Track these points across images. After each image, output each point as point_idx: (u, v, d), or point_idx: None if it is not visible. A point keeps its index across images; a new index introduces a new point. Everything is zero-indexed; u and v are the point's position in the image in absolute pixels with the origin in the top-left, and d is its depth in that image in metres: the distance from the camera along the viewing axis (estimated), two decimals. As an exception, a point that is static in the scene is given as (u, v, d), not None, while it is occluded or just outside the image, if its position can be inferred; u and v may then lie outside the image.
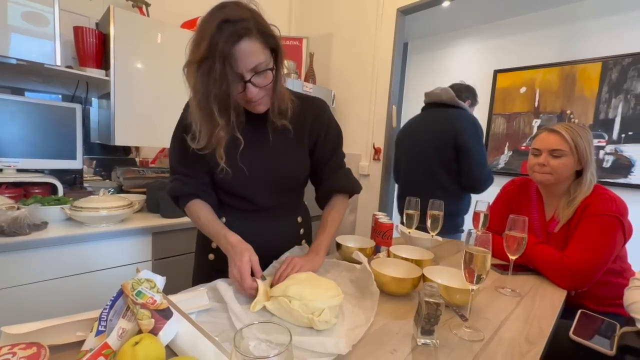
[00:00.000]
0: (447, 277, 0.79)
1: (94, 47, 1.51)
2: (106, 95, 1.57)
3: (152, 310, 0.49)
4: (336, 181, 0.91)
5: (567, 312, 0.86)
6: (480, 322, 0.68)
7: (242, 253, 0.71)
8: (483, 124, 2.61)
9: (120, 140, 1.56)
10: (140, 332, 0.48)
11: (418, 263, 0.88)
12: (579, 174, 1.05)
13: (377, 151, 2.14)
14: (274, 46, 0.69)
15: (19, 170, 1.45)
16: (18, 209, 1.19)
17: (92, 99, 1.79)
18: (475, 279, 0.62)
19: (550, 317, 0.74)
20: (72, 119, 1.55)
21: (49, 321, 0.53)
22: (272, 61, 0.69)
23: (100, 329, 0.47)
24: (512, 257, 0.88)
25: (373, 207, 2.21)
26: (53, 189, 1.52)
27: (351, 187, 0.92)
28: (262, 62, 0.66)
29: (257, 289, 0.68)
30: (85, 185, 1.74)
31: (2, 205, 1.18)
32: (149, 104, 1.61)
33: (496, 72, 2.51)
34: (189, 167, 0.82)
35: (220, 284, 0.72)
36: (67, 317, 0.55)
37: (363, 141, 2.22)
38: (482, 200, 1.12)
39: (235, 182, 0.82)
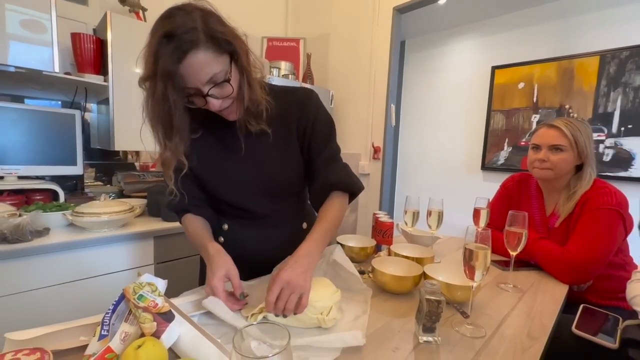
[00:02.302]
0: (448, 274, 0.79)
1: (91, 53, 1.51)
2: (105, 101, 1.57)
3: (154, 313, 0.49)
4: (330, 174, 0.77)
5: (569, 306, 0.86)
6: (482, 318, 0.68)
7: (216, 269, 0.64)
8: (481, 120, 2.61)
9: (120, 145, 1.56)
10: (142, 335, 0.48)
11: (419, 261, 0.88)
12: (578, 168, 1.05)
13: (376, 150, 2.14)
14: (232, 50, 0.62)
15: (20, 177, 1.45)
16: (20, 215, 1.19)
17: (91, 104, 1.80)
18: (475, 276, 0.62)
19: (552, 312, 0.74)
20: (71, 125, 1.56)
21: (52, 326, 0.54)
22: (231, 67, 0.63)
23: (102, 333, 0.47)
24: (513, 253, 0.88)
25: (373, 206, 2.21)
26: (54, 195, 1.52)
27: (351, 183, 0.78)
28: (218, 72, 0.60)
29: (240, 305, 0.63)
30: (87, 190, 1.75)
31: (3, 212, 1.19)
32: (147, 108, 1.61)
33: (494, 68, 2.51)
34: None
35: (206, 302, 0.63)
36: (70, 322, 0.56)
37: (362, 140, 2.22)
38: (482, 197, 1.12)
39: (224, 192, 0.79)
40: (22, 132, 1.44)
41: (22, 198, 1.44)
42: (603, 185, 1.00)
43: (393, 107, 2.08)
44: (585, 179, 1.01)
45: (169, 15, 0.58)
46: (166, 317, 0.50)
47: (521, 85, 2.39)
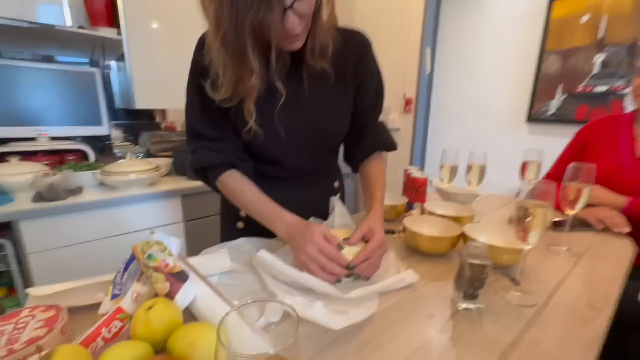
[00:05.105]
0: (489, 235, 0.70)
1: (103, 5, 1.43)
2: (123, 57, 1.52)
3: (166, 273, 0.46)
4: (382, 134, 0.77)
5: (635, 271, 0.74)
6: (531, 284, 0.60)
7: (310, 230, 0.56)
8: (530, 63, 2.29)
9: (141, 103, 1.53)
10: (157, 295, 0.46)
11: (457, 220, 0.79)
12: None
13: (407, 102, 1.96)
14: None
15: (53, 138, 1.49)
16: (54, 175, 1.23)
17: (111, 62, 1.77)
18: (529, 238, 0.52)
19: (617, 279, 0.63)
20: (92, 84, 1.54)
21: (72, 283, 0.53)
22: None
23: (115, 292, 0.45)
24: (570, 212, 0.76)
25: (403, 163, 2.09)
26: (85, 155, 1.56)
27: (394, 144, 0.79)
28: None
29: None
30: (115, 151, 1.78)
31: (38, 171, 1.23)
32: (167, 62, 1.54)
33: (552, -1, 2.12)
34: (217, 128, 0.66)
35: (264, 255, 0.56)
36: (89, 279, 0.55)
37: (392, 91, 2.03)
38: (533, 148, 0.98)
39: (265, 144, 0.67)
40: (46, 92, 1.44)
41: (57, 158, 1.49)
42: None
43: (429, 51, 1.85)
44: None
45: None
46: (179, 277, 0.46)
47: (585, 18, 2.01)
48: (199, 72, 0.61)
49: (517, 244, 0.63)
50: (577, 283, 0.62)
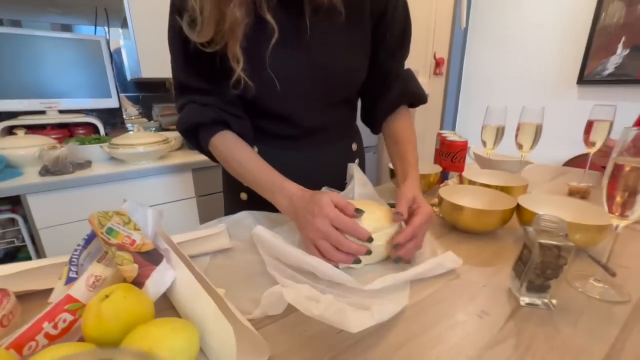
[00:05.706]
0: (549, 208, 0.55)
1: (101, -38, 1.32)
2: (127, 22, 1.42)
3: (134, 252, 0.36)
4: (408, 84, 0.64)
5: None
6: (617, 272, 0.45)
7: (317, 200, 0.44)
8: (586, 14, 1.95)
9: (148, 71, 1.44)
10: (125, 281, 0.36)
11: (505, 191, 0.65)
12: None
13: (438, 63, 1.74)
14: None
15: (62, 112, 1.44)
16: (60, 148, 1.18)
17: (119, 30, 1.68)
18: (629, 209, 0.37)
19: None
20: (99, 53, 1.46)
21: (37, 262, 0.45)
22: None
23: (71, 275, 0.36)
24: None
25: (431, 133, 1.89)
26: (96, 129, 1.51)
27: (424, 95, 0.67)
28: None
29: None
30: (128, 125, 1.72)
31: (44, 144, 1.18)
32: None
33: None
34: (205, 77, 0.56)
35: (261, 232, 0.46)
36: (60, 257, 0.47)
37: (421, 51, 1.81)
38: (603, 104, 0.78)
39: (266, 95, 0.56)
40: (53, 63, 1.37)
41: (66, 132, 1.45)
42: None
43: (464, 2, 1.60)
44: None
45: None
46: (150, 258, 0.36)
47: (662, -49, 1.65)
48: (179, 8, 0.50)
49: (596, 219, 0.48)
50: (681, 271, 0.46)
